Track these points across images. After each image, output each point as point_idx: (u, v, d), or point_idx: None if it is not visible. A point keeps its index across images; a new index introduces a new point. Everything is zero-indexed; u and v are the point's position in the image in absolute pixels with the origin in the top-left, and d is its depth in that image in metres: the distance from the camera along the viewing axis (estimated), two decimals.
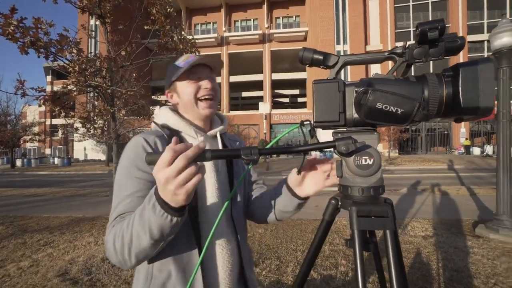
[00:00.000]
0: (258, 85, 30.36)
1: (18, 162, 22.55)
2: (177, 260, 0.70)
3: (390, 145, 19.44)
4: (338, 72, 0.66)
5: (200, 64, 0.80)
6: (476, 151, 21.00)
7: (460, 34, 0.58)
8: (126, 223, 0.59)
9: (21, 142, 21.76)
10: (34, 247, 3.52)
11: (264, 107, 25.93)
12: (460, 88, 0.52)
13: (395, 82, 0.57)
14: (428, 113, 0.54)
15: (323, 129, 0.66)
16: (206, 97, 0.79)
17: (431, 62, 0.58)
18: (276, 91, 32.80)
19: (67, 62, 3.43)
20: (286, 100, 36.53)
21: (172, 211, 0.51)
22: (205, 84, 0.79)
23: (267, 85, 29.19)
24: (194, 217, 0.72)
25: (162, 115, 0.83)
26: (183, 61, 0.80)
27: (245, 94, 34.40)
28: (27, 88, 3.22)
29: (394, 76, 0.60)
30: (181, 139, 0.79)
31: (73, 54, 3.36)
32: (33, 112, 29.24)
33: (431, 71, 0.59)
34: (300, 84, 31.43)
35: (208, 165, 0.78)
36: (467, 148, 21.04)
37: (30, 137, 21.33)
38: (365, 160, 0.58)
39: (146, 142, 0.73)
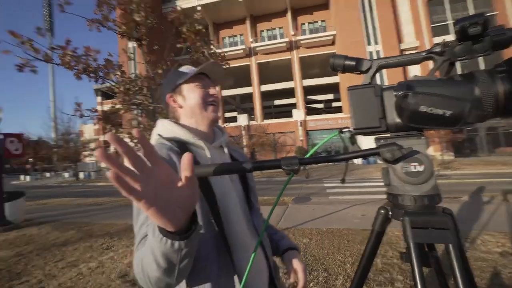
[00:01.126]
0: (290, 93, 30.24)
1: (81, 175, 25.27)
2: (213, 281, 0.67)
3: (443, 147, 17.44)
4: (373, 76, 0.64)
5: (205, 73, 0.86)
6: None
7: (510, 23, 0.53)
8: (145, 247, 0.53)
9: (82, 157, 24.44)
10: (99, 250, 3.93)
11: (298, 114, 25.65)
12: None
13: (438, 82, 0.54)
14: (483, 113, 0.50)
15: (364, 135, 0.64)
16: (213, 103, 0.84)
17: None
18: (308, 97, 32.34)
19: (113, 83, 3.79)
20: (321, 105, 35.78)
21: (172, 235, 0.45)
22: (212, 90, 0.84)
23: (299, 92, 28.94)
24: (222, 229, 0.70)
25: (166, 129, 0.81)
26: (188, 68, 0.86)
27: (277, 102, 34.48)
28: (83, 110, 3.63)
29: (436, 76, 0.57)
30: (189, 150, 0.77)
31: (117, 75, 3.70)
32: (89, 130, 32.71)
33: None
34: (333, 88, 30.61)
35: (224, 179, 0.80)
36: None
37: (88, 152, 23.93)
38: (414, 167, 0.55)
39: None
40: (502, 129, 20.88)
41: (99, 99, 35.19)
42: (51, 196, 12.08)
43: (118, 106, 3.92)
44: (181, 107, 0.83)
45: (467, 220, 4.27)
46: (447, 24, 21.66)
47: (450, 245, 0.51)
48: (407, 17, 22.68)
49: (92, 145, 25.31)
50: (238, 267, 0.71)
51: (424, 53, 0.58)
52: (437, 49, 0.55)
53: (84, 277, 3.00)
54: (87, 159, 28.59)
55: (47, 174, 32.83)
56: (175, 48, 4.51)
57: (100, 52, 3.72)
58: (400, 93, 0.53)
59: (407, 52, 0.71)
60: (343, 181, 0.70)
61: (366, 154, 0.56)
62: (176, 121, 0.85)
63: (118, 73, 3.84)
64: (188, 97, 0.82)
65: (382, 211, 0.62)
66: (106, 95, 32.60)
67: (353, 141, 0.64)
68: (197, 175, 0.56)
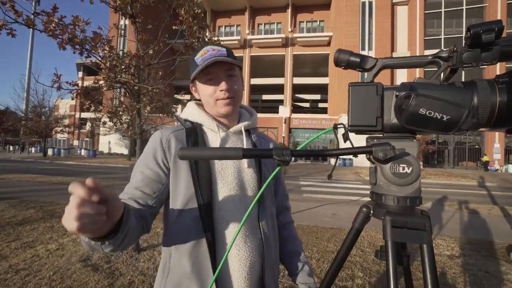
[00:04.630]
0: (279, 89, 30.30)
1: (50, 151, 24.02)
2: (192, 257, 0.70)
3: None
4: (376, 75, 0.64)
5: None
6: None
7: None
8: None
9: (53, 133, 23.23)
10: (61, 231, 3.72)
11: (284, 111, 25.83)
12: None
13: (440, 87, 0.54)
14: (478, 121, 0.50)
15: (356, 133, 0.63)
16: (224, 99, 0.77)
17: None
18: (296, 95, 32.57)
19: (99, 58, 3.60)
20: (307, 105, 36.15)
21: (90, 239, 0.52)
22: (222, 86, 0.76)
23: (288, 89, 29.07)
24: (207, 214, 0.70)
25: (187, 110, 0.85)
26: (200, 57, 0.77)
27: (265, 97, 34.48)
28: (62, 82, 3.42)
29: (439, 81, 0.57)
30: (201, 132, 0.80)
31: (105, 51, 3.52)
32: (65, 106, 31.17)
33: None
34: (321, 89, 31.00)
35: (228, 162, 0.77)
36: (486, 165, 19.66)
37: (61, 128, 22.72)
38: (403, 168, 0.55)
39: (161, 138, 0.76)
40: (469, 145, 22.58)
41: (80, 74, 33.62)
42: (11, 171, 11.30)
43: (101, 82, 3.74)
44: (199, 97, 0.84)
45: None
46: (440, 38, 22.42)
47: (425, 246, 0.53)
48: (403, 26, 23.25)
49: (66, 122, 24.14)
50: (218, 257, 0.70)
51: (430, 57, 0.58)
52: (444, 54, 0.55)
53: (40, 259, 2.80)
54: (59, 135, 27.36)
55: (11, 148, 31.06)
56: (170, 30, 4.35)
57: (89, 23, 3.51)
58: (402, 93, 0.53)
59: None
60: (329, 176, 0.70)
61: (358, 152, 0.56)
62: (200, 103, 0.86)
63: (107, 48, 3.65)
64: (201, 91, 0.81)
65: (365, 209, 0.63)
66: (89, 70, 31.18)
67: (346, 137, 0.63)
68: (182, 158, 0.54)
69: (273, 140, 0.95)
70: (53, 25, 2.86)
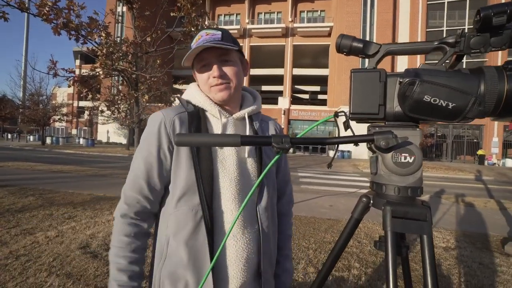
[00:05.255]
0: (279, 80, 30.05)
1: (48, 140, 23.93)
2: (189, 246, 0.69)
3: None
4: (379, 62, 0.61)
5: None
6: (510, 163, 19.59)
7: None
8: (114, 253, 0.73)
9: (51, 122, 23.06)
10: (60, 219, 3.73)
11: (283, 102, 25.72)
12: None
13: (446, 73, 0.51)
14: (484, 110, 0.49)
15: (357, 122, 0.62)
16: (217, 85, 0.74)
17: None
18: (296, 86, 32.33)
19: (95, 45, 3.53)
20: (306, 96, 35.94)
21: None
22: (212, 72, 0.73)
23: (287, 80, 28.83)
24: (207, 203, 0.69)
25: (189, 91, 0.82)
26: (195, 43, 0.73)
27: (264, 88, 34.22)
28: (58, 68, 3.37)
29: (445, 67, 0.55)
30: (204, 118, 0.77)
31: (102, 37, 3.45)
32: (62, 94, 30.87)
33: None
34: (321, 80, 30.76)
35: (230, 151, 0.74)
36: (481, 159, 19.83)
37: (59, 117, 22.56)
38: (405, 158, 0.54)
39: (164, 120, 0.73)
40: (467, 138, 22.67)
41: (78, 62, 33.12)
42: (10, 159, 11.24)
43: (98, 69, 3.68)
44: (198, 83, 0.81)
45: None
46: (442, 30, 22.15)
47: (425, 236, 0.52)
48: (405, 17, 22.89)
49: (64, 110, 23.93)
50: (216, 247, 0.69)
51: (436, 42, 0.55)
52: (451, 40, 0.52)
53: (40, 246, 2.81)
54: (57, 124, 27.15)
55: (9, 136, 30.92)
56: (168, 17, 4.25)
57: (85, 7, 3.42)
58: (406, 80, 0.51)
59: None
60: (329, 165, 0.69)
61: (360, 140, 0.54)
62: None
63: (103, 34, 3.57)
64: (197, 79, 0.79)
65: (364, 199, 0.62)
66: (86, 58, 30.67)
67: (347, 126, 0.61)
68: (179, 144, 0.53)
69: (276, 122, 0.92)
70: (47, 8, 2.78)
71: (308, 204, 5.33)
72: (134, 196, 0.72)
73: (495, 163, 20.25)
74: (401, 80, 0.53)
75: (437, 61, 0.55)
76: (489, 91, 0.48)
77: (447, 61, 0.57)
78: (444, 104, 0.49)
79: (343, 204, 5.45)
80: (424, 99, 0.50)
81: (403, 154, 0.54)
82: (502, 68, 0.49)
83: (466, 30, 0.51)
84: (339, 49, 0.63)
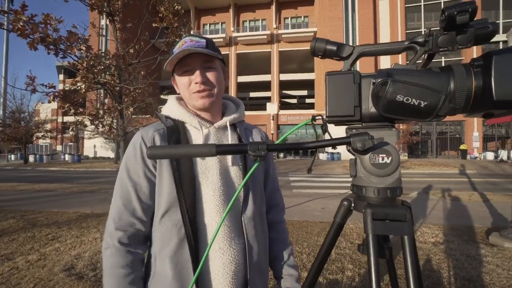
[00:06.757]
0: (266, 86, 30.30)
1: (31, 158, 23.08)
2: (173, 262, 0.67)
3: (400, 148, 19.29)
4: (353, 63, 0.62)
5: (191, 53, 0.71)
6: (490, 156, 20.36)
7: None
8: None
9: (34, 139, 22.30)
10: (43, 241, 3.55)
11: (272, 108, 25.87)
12: (492, 79, 0.46)
13: (417, 72, 0.52)
14: (455, 106, 0.49)
15: (335, 125, 0.61)
16: (198, 91, 0.73)
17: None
18: (284, 91, 32.69)
19: (75, 59, 3.46)
20: (294, 101, 36.35)
21: None
22: (194, 77, 0.72)
23: (275, 86, 29.10)
24: (190, 218, 0.67)
25: (167, 105, 0.81)
26: (178, 48, 0.72)
27: (252, 94, 34.41)
28: (37, 84, 3.27)
29: (416, 66, 0.55)
30: (183, 131, 0.75)
31: (82, 50, 3.38)
32: (46, 110, 29.98)
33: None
34: (308, 85, 31.24)
35: (212, 162, 0.72)
36: (464, 153, 20.52)
37: (42, 133, 21.84)
38: (382, 158, 0.53)
39: (143, 140, 0.72)
40: (450, 134, 23.45)
41: (61, 77, 32.40)
42: None
43: (79, 84, 3.60)
44: (179, 91, 0.79)
45: (413, 215, 4.76)
46: (420, 31, 23.03)
47: (406, 237, 0.52)
48: (385, 21, 23.70)
49: (48, 126, 23.25)
50: (199, 259, 0.67)
51: (406, 43, 0.56)
52: (420, 39, 0.53)
53: (20, 272, 2.65)
54: (40, 141, 26.30)
55: None
56: (151, 28, 4.23)
57: (62, 21, 3.35)
58: (379, 80, 0.51)
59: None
60: (309, 170, 0.68)
61: (337, 143, 0.54)
62: (181, 97, 0.81)
63: (83, 47, 3.50)
64: (178, 85, 0.78)
65: (345, 202, 0.61)
66: (70, 73, 30.07)
67: (325, 129, 0.61)
68: (151, 157, 0.51)
69: (260, 130, 0.90)
70: (21, 23, 2.70)
71: (300, 208, 5.33)
72: (127, 220, 0.70)
73: (476, 157, 20.95)
74: (374, 81, 0.53)
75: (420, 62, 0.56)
76: (459, 88, 0.49)
77: (419, 60, 0.58)
78: (416, 103, 0.49)
79: (335, 206, 5.41)
80: (397, 98, 0.50)
81: (380, 155, 0.54)
82: (469, 65, 0.50)
83: (432, 29, 0.52)
84: (314, 53, 0.63)
